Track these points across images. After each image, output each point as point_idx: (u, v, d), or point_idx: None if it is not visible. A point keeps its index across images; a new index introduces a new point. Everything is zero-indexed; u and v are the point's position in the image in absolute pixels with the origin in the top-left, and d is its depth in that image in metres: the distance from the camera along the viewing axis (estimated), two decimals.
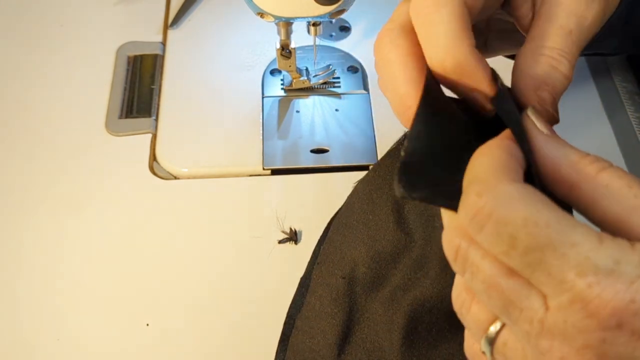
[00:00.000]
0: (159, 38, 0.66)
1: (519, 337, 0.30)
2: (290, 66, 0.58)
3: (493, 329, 0.31)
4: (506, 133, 0.32)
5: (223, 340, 0.46)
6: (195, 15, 0.68)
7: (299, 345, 0.45)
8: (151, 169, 0.56)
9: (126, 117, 0.60)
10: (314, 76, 0.61)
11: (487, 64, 0.35)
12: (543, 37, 0.38)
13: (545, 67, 0.38)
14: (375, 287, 0.46)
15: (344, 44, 0.65)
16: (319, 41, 0.63)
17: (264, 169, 0.56)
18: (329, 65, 0.62)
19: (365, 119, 0.59)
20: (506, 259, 0.28)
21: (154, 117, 0.60)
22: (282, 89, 0.61)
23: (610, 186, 0.30)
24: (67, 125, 0.59)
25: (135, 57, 0.65)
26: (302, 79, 0.60)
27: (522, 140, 0.32)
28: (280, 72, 0.62)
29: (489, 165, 0.30)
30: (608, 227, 0.30)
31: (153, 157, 0.57)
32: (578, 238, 0.27)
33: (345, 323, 0.45)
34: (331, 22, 0.66)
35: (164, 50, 0.65)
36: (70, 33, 0.67)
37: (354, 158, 0.56)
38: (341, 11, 0.52)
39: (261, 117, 0.59)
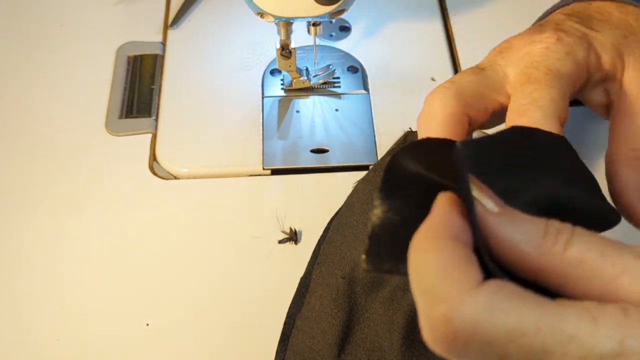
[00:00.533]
0: (159, 38, 0.66)
1: None
2: (290, 66, 0.58)
3: None
4: (444, 201, 0.28)
5: (223, 340, 0.46)
6: (195, 15, 0.68)
7: (299, 345, 0.45)
8: (151, 169, 0.56)
9: (126, 117, 0.60)
10: (314, 76, 0.61)
11: None
12: (635, 140, 0.38)
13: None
14: (375, 287, 0.46)
15: (344, 44, 0.65)
16: (319, 41, 0.63)
17: (264, 169, 0.56)
18: (329, 65, 0.62)
19: (365, 119, 0.59)
20: None
21: (154, 117, 0.60)
22: (282, 89, 0.61)
23: (584, 261, 0.26)
24: (67, 125, 0.59)
25: (135, 57, 0.65)
26: (302, 79, 0.60)
27: (472, 216, 0.27)
28: (280, 72, 0.62)
29: (439, 267, 0.25)
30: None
31: (153, 157, 0.57)
32: (573, 328, 0.24)
33: (345, 323, 0.45)
34: (331, 22, 0.66)
35: (164, 50, 0.65)
36: (70, 33, 0.67)
37: (354, 158, 0.56)
38: (341, 11, 0.52)
39: (261, 117, 0.59)
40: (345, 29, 0.66)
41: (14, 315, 0.48)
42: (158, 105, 0.61)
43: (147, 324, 0.47)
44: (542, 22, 0.43)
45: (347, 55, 0.64)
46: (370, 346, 0.44)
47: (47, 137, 0.58)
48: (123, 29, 0.67)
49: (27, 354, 0.46)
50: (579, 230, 0.27)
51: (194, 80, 0.62)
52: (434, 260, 0.25)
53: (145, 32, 0.66)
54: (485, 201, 0.27)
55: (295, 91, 0.61)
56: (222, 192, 0.54)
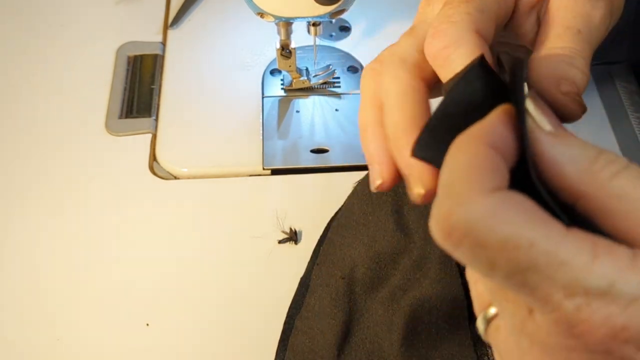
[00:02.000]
0: (159, 38, 0.66)
1: (508, 328, 0.28)
2: (290, 66, 0.58)
3: (492, 310, 0.29)
4: (499, 111, 0.27)
5: (223, 340, 0.46)
6: (195, 15, 0.68)
7: (298, 345, 0.45)
8: (151, 169, 0.56)
9: (126, 117, 0.60)
10: (314, 76, 0.61)
11: None
12: (552, 40, 0.37)
13: (561, 65, 0.35)
14: (375, 288, 0.46)
15: (344, 44, 0.65)
16: (319, 41, 0.63)
17: (264, 169, 0.56)
18: (329, 65, 0.62)
19: None
20: (488, 278, 0.26)
21: (154, 117, 0.60)
22: (282, 89, 0.61)
23: (625, 196, 0.26)
24: (67, 125, 0.59)
25: (135, 57, 0.65)
26: (302, 79, 0.60)
27: (523, 132, 0.27)
28: (280, 72, 0.62)
29: (464, 166, 0.26)
30: (621, 242, 0.26)
31: (153, 157, 0.57)
32: (567, 255, 0.24)
33: (345, 323, 0.45)
34: (331, 22, 0.66)
35: (164, 50, 0.65)
36: (70, 33, 0.67)
37: (354, 158, 0.56)
38: (341, 11, 0.52)
39: (261, 117, 0.59)
40: (345, 29, 0.66)
41: (14, 315, 0.48)
42: (158, 105, 0.61)
43: (147, 324, 0.47)
44: None
45: (347, 55, 0.64)
46: (370, 346, 0.44)
47: (47, 137, 0.58)
48: (123, 29, 0.67)
49: (27, 354, 0.46)
50: (634, 167, 0.26)
51: (194, 80, 0.62)
52: (463, 159, 0.26)
53: (145, 32, 0.66)
54: (540, 118, 0.27)
55: (295, 91, 0.61)
56: (222, 192, 0.54)
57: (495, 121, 0.27)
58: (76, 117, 0.60)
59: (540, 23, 0.38)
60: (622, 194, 0.26)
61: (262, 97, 0.61)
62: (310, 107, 0.60)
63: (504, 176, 0.26)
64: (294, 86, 0.60)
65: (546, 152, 0.27)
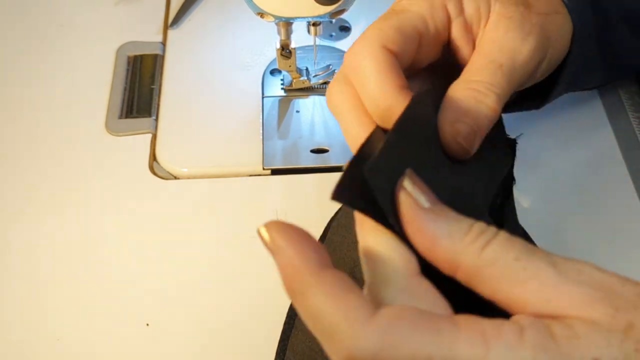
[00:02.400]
0: (159, 38, 0.66)
1: None
2: (290, 66, 0.58)
3: None
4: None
5: (223, 340, 0.46)
6: (195, 15, 0.68)
7: (299, 345, 0.45)
8: (151, 169, 0.56)
9: (126, 117, 0.60)
10: (314, 76, 0.61)
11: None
12: (473, 71, 0.39)
13: (469, 100, 0.37)
14: None
15: (344, 44, 0.65)
16: (319, 41, 0.63)
17: (264, 169, 0.56)
18: (329, 65, 0.62)
19: None
20: None
21: (154, 117, 0.60)
22: (282, 89, 0.61)
23: (497, 263, 0.27)
24: (67, 125, 0.59)
25: (135, 57, 0.65)
26: (302, 79, 0.60)
27: (390, 214, 0.29)
28: (280, 72, 0.62)
29: (329, 308, 0.26)
30: (502, 307, 0.28)
31: (153, 157, 0.57)
32: (464, 355, 0.25)
33: None
34: (331, 22, 0.66)
35: (164, 50, 0.65)
36: (70, 33, 0.67)
37: None
38: (341, 11, 0.52)
39: (261, 117, 0.59)
40: (345, 29, 0.66)
41: (13, 315, 0.48)
42: (158, 105, 0.61)
43: (147, 324, 0.47)
44: None
45: None
46: None
47: (47, 137, 0.58)
48: (123, 29, 0.67)
49: (27, 354, 0.46)
50: (503, 234, 0.28)
51: (194, 80, 0.62)
52: (323, 301, 0.26)
53: (145, 32, 0.66)
54: (417, 195, 0.29)
55: (295, 91, 0.61)
56: (222, 192, 0.54)
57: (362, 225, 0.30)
58: (76, 117, 0.60)
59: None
60: (494, 260, 0.27)
61: (262, 97, 0.61)
62: (310, 107, 0.60)
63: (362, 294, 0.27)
64: (294, 86, 0.60)
65: (423, 228, 0.28)
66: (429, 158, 0.35)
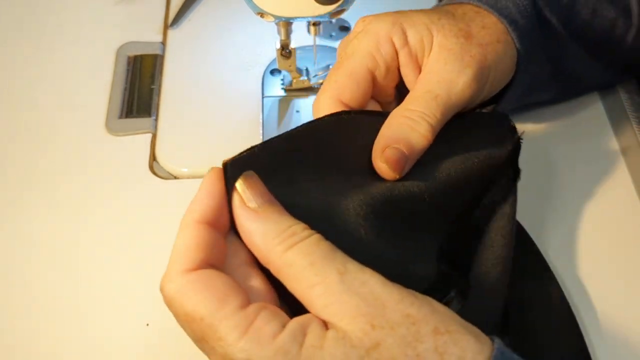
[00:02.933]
0: (159, 38, 0.66)
1: None
2: (290, 66, 0.58)
3: None
4: (207, 185, 0.35)
5: None
6: (195, 15, 0.68)
7: None
8: (151, 169, 0.56)
9: (126, 117, 0.60)
10: (314, 76, 0.61)
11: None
12: (411, 100, 0.43)
13: (402, 128, 0.41)
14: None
15: None
16: (319, 41, 0.63)
17: None
18: (329, 65, 0.62)
19: None
20: None
21: (154, 117, 0.60)
22: (282, 89, 0.61)
23: (294, 265, 0.31)
24: (67, 125, 0.59)
25: (135, 57, 0.65)
26: (302, 78, 0.60)
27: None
28: (280, 72, 0.62)
29: (176, 246, 0.34)
30: (299, 304, 0.32)
31: (153, 157, 0.57)
32: (223, 333, 0.30)
33: None
34: (331, 22, 0.66)
35: (164, 50, 0.65)
36: (70, 33, 0.67)
37: None
38: (341, 11, 0.52)
39: (261, 117, 0.59)
40: (345, 29, 0.66)
41: (13, 315, 0.48)
42: (158, 105, 0.61)
43: (147, 324, 0.47)
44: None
45: None
46: None
47: (47, 137, 0.58)
48: (123, 29, 0.67)
49: (27, 354, 0.46)
50: (313, 238, 0.32)
51: (194, 80, 0.62)
52: (178, 239, 0.34)
53: (145, 32, 0.66)
54: (247, 195, 0.33)
55: (295, 91, 0.61)
56: None
57: (204, 197, 0.34)
58: (76, 117, 0.60)
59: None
60: (292, 262, 0.31)
61: (262, 97, 0.61)
62: (310, 107, 0.60)
63: (212, 250, 0.33)
64: (294, 86, 0.60)
65: (242, 225, 0.33)
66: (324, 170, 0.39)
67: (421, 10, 0.46)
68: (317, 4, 0.50)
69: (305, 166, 0.38)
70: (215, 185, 0.34)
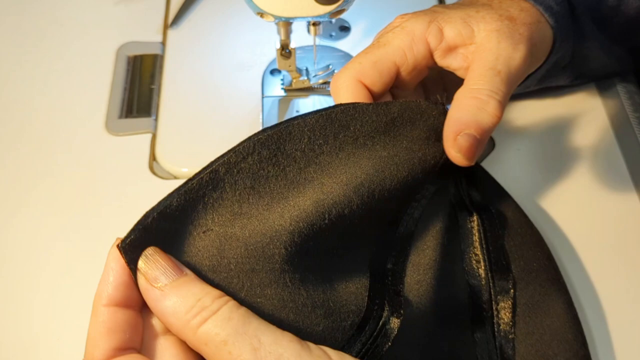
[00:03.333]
0: (159, 38, 0.66)
1: None
2: (290, 66, 0.58)
3: None
4: (111, 263, 0.34)
5: None
6: (195, 15, 0.68)
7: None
8: (151, 168, 0.56)
9: (126, 117, 0.60)
10: (313, 76, 0.61)
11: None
12: (474, 79, 0.43)
13: (471, 109, 0.42)
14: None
15: (344, 44, 0.65)
16: (319, 41, 0.63)
17: None
18: (329, 65, 0.62)
19: None
20: None
21: (153, 117, 0.60)
22: (282, 88, 0.61)
23: (208, 343, 0.30)
24: (67, 125, 0.59)
25: (135, 57, 0.65)
26: (302, 78, 0.60)
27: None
28: (280, 72, 0.62)
29: (89, 337, 0.32)
30: None
31: (153, 157, 0.57)
32: None
33: None
34: (331, 22, 0.66)
35: (164, 50, 0.65)
36: (70, 33, 0.67)
37: None
38: (341, 11, 0.52)
39: (261, 117, 0.59)
40: (345, 29, 0.66)
41: (13, 314, 0.48)
42: (158, 105, 0.61)
43: None
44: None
45: (347, 55, 0.64)
46: None
47: (47, 137, 0.58)
48: (123, 29, 0.67)
49: (27, 354, 0.46)
50: (225, 309, 0.31)
51: (194, 80, 0.62)
52: (90, 327, 0.32)
53: (145, 32, 0.66)
54: (152, 273, 0.32)
55: (295, 91, 0.61)
56: None
57: (108, 277, 0.33)
58: (76, 117, 0.60)
59: (468, 60, 0.45)
60: (206, 341, 0.30)
61: (262, 97, 0.61)
62: (310, 107, 0.60)
63: (125, 332, 0.32)
64: (294, 86, 0.60)
65: (153, 307, 0.32)
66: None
67: (459, 6, 0.47)
68: (317, 4, 0.50)
69: (218, 208, 0.36)
70: (119, 262, 0.33)
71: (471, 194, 0.46)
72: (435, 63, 0.46)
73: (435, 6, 0.48)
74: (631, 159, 0.55)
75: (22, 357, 0.46)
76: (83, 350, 0.46)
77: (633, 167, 0.54)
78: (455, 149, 0.40)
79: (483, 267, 0.44)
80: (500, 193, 0.48)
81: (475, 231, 0.45)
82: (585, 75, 0.58)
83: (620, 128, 0.57)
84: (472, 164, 0.41)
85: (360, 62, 0.45)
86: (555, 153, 0.56)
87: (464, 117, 0.41)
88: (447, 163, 0.42)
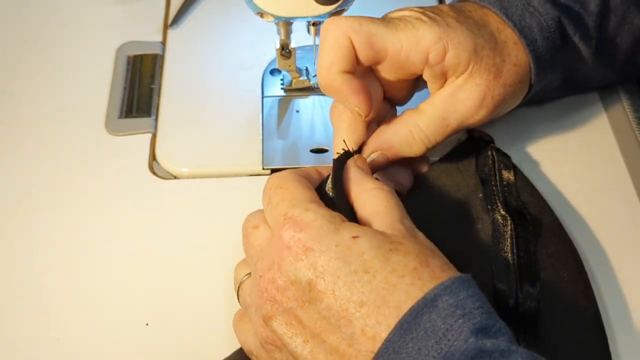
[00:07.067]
0: (159, 38, 0.66)
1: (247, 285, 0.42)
2: (290, 66, 0.58)
3: (243, 278, 0.43)
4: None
5: (222, 340, 0.46)
6: (195, 15, 0.68)
7: None
8: (151, 168, 0.56)
9: (126, 116, 0.60)
10: (313, 76, 0.61)
11: (354, 88, 0.45)
12: (423, 117, 0.47)
13: (401, 139, 0.47)
14: None
15: None
16: (318, 41, 0.63)
17: (263, 168, 0.56)
18: None
19: None
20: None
21: (153, 117, 0.60)
22: (282, 88, 0.61)
23: (374, 197, 0.40)
24: (67, 125, 0.59)
25: (135, 57, 0.65)
26: (301, 78, 0.60)
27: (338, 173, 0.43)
28: (280, 72, 0.62)
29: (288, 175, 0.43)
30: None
31: (153, 157, 0.57)
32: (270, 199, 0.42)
33: None
34: None
35: (164, 50, 0.65)
36: (70, 33, 0.67)
37: None
38: (341, 11, 0.52)
39: (261, 117, 0.59)
40: None
41: (13, 314, 0.48)
42: (158, 105, 0.61)
43: (147, 324, 0.47)
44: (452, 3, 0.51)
45: None
46: None
47: (47, 137, 0.58)
48: (123, 29, 0.67)
49: (27, 354, 0.46)
50: (385, 189, 0.41)
51: (194, 80, 0.62)
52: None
53: (145, 32, 0.66)
54: (356, 163, 0.45)
55: (295, 91, 0.61)
56: (222, 192, 0.54)
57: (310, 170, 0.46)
58: (76, 117, 0.60)
59: (444, 78, 0.47)
60: (374, 195, 0.41)
61: (262, 97, 0.61)
62: (310, 107, 0.60)
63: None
64: (294, 86, 0.60)
65: (349, 172, 0.43)
66: None
67: (470, 27, 0.47)
68: (317, 4, 0.50)
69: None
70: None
71: (507, 198, 0.47)
72: (419, 73, 0.47)
73: (450, 11, 0.48)
74: (631, 159, 0.55)
75: (22, 357, 0.46)
76: (83, 350, 0.46)
77: (633, 167, 0.54)
78: (368, 158, 0.48)
79: (512, 272, 0.44)
80: (537, 200, 0.49)
81: (507, 236, 0.45)
82: (576, 90, 0.58)
83: (620, 128, 0.57)
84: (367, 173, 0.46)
85: (360, 22, 0.45)
86: (554, 153, 0.56)
87: (392, 140, 0.48)
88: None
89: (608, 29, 0.51)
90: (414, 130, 0.47)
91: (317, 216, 0.38)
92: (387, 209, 0.39)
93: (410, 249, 0.37)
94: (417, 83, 0.50)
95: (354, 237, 0.37)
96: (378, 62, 0.46)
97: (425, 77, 0.47)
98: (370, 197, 0.40)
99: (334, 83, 0.45)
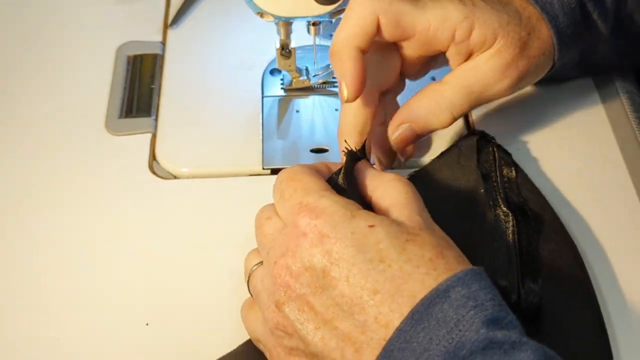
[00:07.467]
0: (159, 38, 0.66)
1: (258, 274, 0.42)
2: (290, 66, 0.58)
3: (254, 267, 0.43)
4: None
5: (222, 340, 0.46)
6: (195, 15, 0.68)
7: None
8: (151, 168, 0.56)
9: (126, 116, 0.60)
10: (313, 76, 0.61)
11: (357, 68, 0.45)
12: (447, 86, 0.48)
13: (427, 110, 0.48)
14: None
15: None
16: (318, 41, 0.63)
17: (263, 168, 0.56)
18: (329, 65, 0.62)
19: None
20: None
21: (153, 117, 0.60)
22: (282, 88, 0.61)
23: (393, 188, 0.41)
24: (67, 125, 0.59)
25: (135, 56, 0.65)
26: (302, 78, 0.60)
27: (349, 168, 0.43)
28: (280, 72, 0.62)
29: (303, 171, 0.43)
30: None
31: (153, 157, 0.57)
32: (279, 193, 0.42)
33: None
34: (331, 22, 0.65)
35: (164, 50, 0.65)
36: (70, 33, 0.67)
37: None
38: (341, 11, 0.52)
39: (261, 117, 0.59)
40: None
41: (13, 314, 0.48)
42: (158, 105, 0.61)
43: (147, 324, 0.47)
44: None
45: None
46: None
47: (47, 137, 0.58)
48: (123, 29, 0.67)
49: (27, 354, 0.46)
50: (402, 179, 0.42)
51: (194, 80, 0.62)
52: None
53: (145, 32, 0.66)
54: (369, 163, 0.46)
55: (295, 91, 0.61)
56: (222, 192, 0.54)
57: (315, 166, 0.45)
58: (76, 117, 0.60)
59: (465, 53, 0.48)
60: (385, 188, 0.42)
61: (262, 97, 0.61)
62: (310, 107, 0.60)
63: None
64: (294, 86, 0.60)
65: (361, 168, 0.44)
66: None
67: (495, 6, 0.48)
68: (317, 4, 0.50)
69: None
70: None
71: (508, 194, 0.47)
72: (444, 50, 0.48)
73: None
74: (631, 159, 0.55)
75: (22, 357, 0.46)
76: (83, 350, 0.46)
77: (633, 167, 0.54)
78: (395, 133, 0.48)
79: (514, 269, 0.44)
80: (538, 197, 0.49)
81: (510, 232, 0.45)
82: (592, 71, 0.59)
83: (620, 128, 0.57)
84: (398, 151, 0.48)
85: (391, 2, 0.46)
86: (554, 153, 0.56)
87: (417, 112, 0.48)
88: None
89: (626, 9, 0.52)
90: (440, 99, 0.48)
91: (331, 202, 0.38)
92: (407, 200, 0.40)
93: (427, 240, 0.37)
94: (435, 59, 0.51)
95: (370, 226, 0.37)
96: (404, 40, 0.47)
97: (450, 54, 0.48)
98: (389, 187, 0.41)
99: (343, 54, 0.45)
